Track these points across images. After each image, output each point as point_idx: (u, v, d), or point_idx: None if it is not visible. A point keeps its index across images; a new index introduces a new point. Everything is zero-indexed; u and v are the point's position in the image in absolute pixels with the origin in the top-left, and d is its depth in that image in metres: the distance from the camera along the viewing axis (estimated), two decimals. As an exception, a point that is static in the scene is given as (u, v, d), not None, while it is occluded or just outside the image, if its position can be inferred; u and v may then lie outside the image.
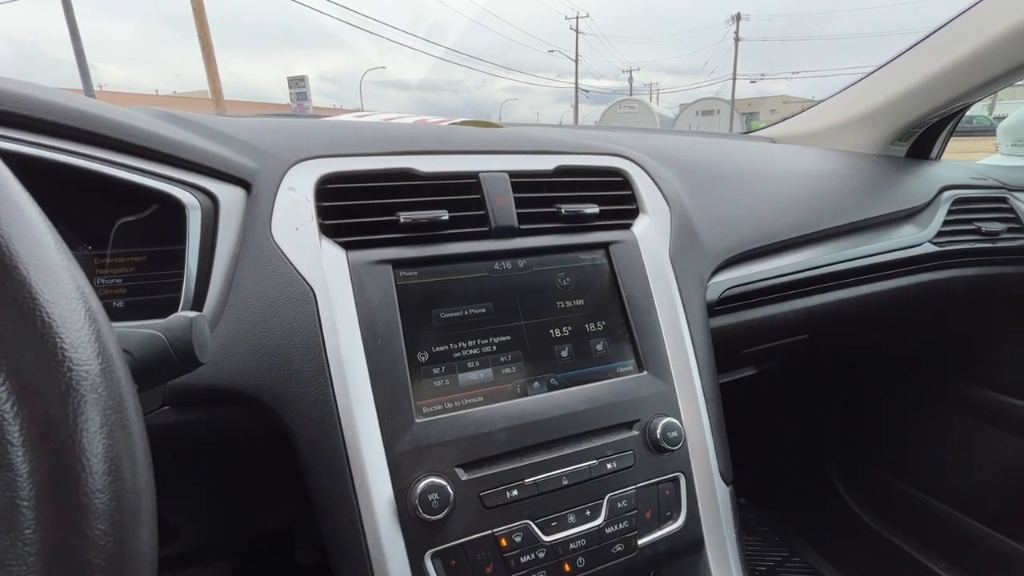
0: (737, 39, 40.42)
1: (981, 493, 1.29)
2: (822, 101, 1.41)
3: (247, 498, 0.87)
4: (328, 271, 0.57)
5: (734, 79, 38.97)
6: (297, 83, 16.32)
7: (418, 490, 0.52)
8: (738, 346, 0.90)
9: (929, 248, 1.00)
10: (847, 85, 1.34)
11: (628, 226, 0.75)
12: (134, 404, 0.23)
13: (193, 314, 0.35)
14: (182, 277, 0.54)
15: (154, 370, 0.33)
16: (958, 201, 1.07)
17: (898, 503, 1.46)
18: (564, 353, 0.66)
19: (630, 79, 62.77)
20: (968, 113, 1.30)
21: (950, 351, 1.30)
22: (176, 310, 0.54)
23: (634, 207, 0.77)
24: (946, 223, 1.04)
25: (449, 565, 0.53)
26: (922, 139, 1.27)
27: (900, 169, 1.13)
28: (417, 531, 0.53)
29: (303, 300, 0.56)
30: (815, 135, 1.34)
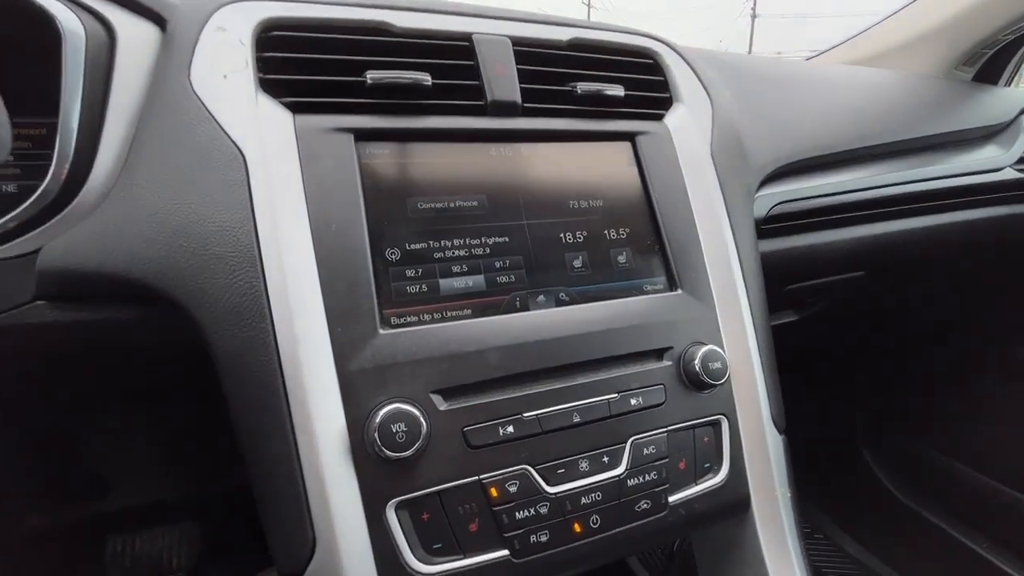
0: (753, 16, 39.29)
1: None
2: (871, 26, 1.23)
3: (192, 444, 0.74)
4: (267, 134, 0.43)
5: (749, 57, 37.90)
6: None
7: (378, 418, 0.38)
8: (782, 280, 0.75)
9: (1011, 174, 0.84)
10: (900, 7, 1.16)
11: (659, 117, 0.60)
12: None
13: None
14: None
15: None
16: (1042, 124, 0.91)
17: (934, 477, 1.33)
18: (577, 263, 0.52)
19: (642, 56, 61.20)
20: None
21: (1012, 306, 1.14)
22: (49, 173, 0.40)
23: (667, 95, 0.62)
24: (1030, 147, 0.88)
25: (419, 520, 0.40)
26: (992, 63, 1.09)
27: (972, 89, 0.97)
28: (377, 474, 0.39)
29: (229, 166, 0.42)
30: (863, 62, 1.17)
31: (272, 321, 0.39)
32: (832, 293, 0.82)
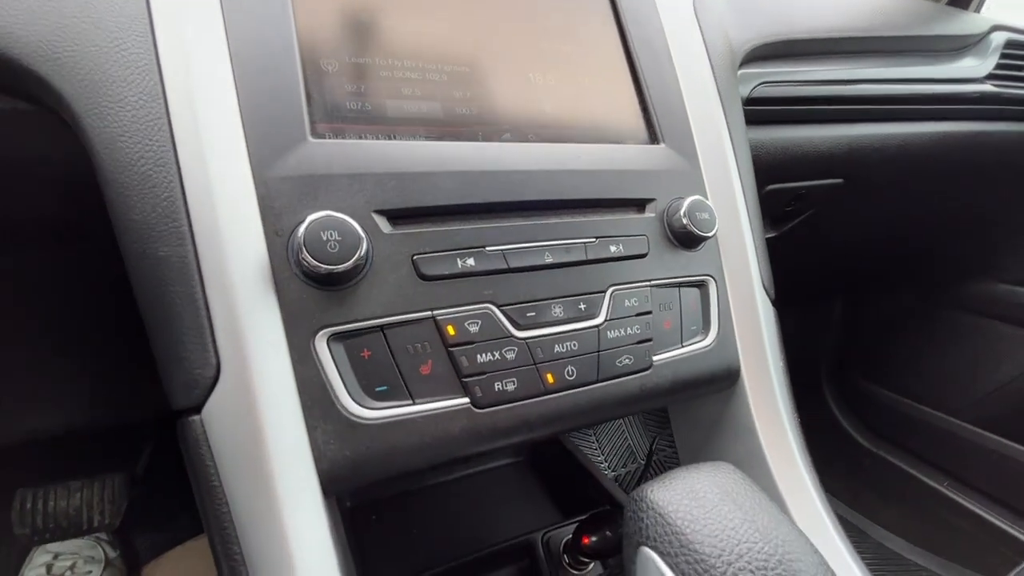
0: None
1: (994, 400, 1.16)
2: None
3: (87, 356, 0.63)
4: None
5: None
6: None
7: (305, 226, 0.31)
8: (763, 178, 0.71)
9: (987, 87, 0.82)
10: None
11: None
12: None
13: None
14: None
15: None
16: (1012, 44, 0.90)
17: (895, 419, 1.33)
18: (548, 107, 0.45)
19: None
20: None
21: (977, 237, 1.15)
22: None
23: None
24: (999, 66, 0.87)
25: (358, 357, 0.33)
26: (960, -6, 1.10)
27: (948, 8, 0.95)
28: (304, 297, 0.32)
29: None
30: None
31: (165, 100, 0.31)
32: (811, 201, 0.79)
